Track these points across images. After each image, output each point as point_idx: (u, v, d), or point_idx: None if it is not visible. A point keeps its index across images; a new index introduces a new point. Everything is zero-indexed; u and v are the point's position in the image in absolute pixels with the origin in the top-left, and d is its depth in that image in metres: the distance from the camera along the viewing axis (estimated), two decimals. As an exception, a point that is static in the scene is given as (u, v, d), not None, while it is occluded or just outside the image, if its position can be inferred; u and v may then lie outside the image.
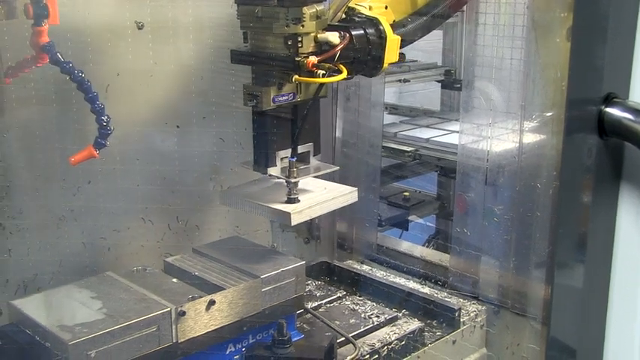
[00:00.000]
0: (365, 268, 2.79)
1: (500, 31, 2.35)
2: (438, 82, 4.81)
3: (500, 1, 2.33)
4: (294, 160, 2.07)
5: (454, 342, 2.37)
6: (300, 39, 1.93)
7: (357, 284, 2.62)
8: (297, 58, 1.91)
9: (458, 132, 2.52)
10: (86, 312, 1.82)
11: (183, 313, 1.85)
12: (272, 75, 1.99)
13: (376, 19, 2.07)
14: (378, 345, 2.20)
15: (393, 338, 2.24)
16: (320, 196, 2.15)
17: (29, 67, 1.81)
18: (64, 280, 2.27)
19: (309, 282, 2.63)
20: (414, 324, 2.34)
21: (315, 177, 2.19)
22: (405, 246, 2.91)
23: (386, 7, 2.16)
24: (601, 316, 2.38)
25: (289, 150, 2.08)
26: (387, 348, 2.21)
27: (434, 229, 4.39)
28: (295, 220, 2.04)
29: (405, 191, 3.96)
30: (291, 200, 2.08)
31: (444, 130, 4.15)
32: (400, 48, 2.13)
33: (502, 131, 2.36)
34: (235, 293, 1.97)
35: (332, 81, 1.96)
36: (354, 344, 2.15)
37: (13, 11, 1.66)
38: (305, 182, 2.16)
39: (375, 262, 2.85)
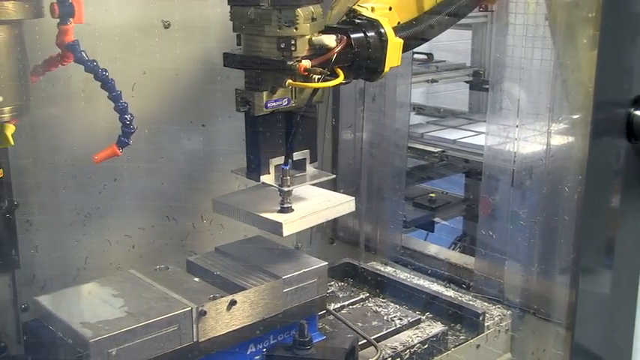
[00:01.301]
0: (389, 270, 2.77)
1: (529, 31, 2.32)
2: (467, 82, 4.78)
3: (529, 0, 2.30)
4: (287, 168, 1.99)
5: (478, 346, 2.34)
6: (293, 42, 1.85)
7: (380, 286, 2.60)
8: (290, 62, 1.84)
9: (485, 133, 2.49)
10: (108, 310, 1.83)
11: (204, 313, 1.85)
12: (265, 79, 1.92)
13: (377, 21, 1.99)
14: (400, 348, 2.19)
15: (415, 341, 2.22)
16: (315, 205, 2.07)
17: (55, 65, 1.83)
18: (89, 276, 2.29)
19: (333, 283, 2.62)
20: (437, 327, 2.32)
21: (312, 185, 2.12)
22: (429, 248, 2.88)
23: (390, 9, 2.08)
24: (629, 323, 2.33)
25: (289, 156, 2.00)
26: (410, 351, 2.19)
27: (460, 232, 4.35)
28: (287, 231, 1.96)
29: (432, 192, 3.93)
30: (284, 210, 2.01)
31: (472, 131, 4.12)
32: (406, 51, 2.06)
33: (529, 133, 2.33)
34: (257, 293, 1.97)
35: (326, 86, 1.88)
36: (375, 347, 2.13)
37: (39, 10, 1.67)
38: (302, 190, 2.09)
39: (399, 263, 2.82)
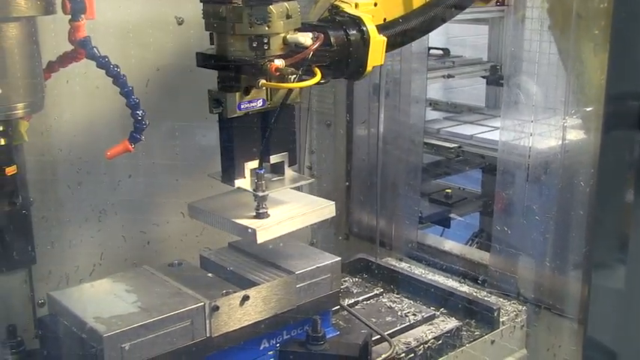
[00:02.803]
0: (403, 266, 2.76)
1: (545, 25, 2.29)
2: (483, 77, 4.75)
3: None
4: (262, 172, 1.91)
5: (493, 342, 2.32)
6: (266, 40, 1.78)
7: (394, 281, 2.59)
8: (261, 62, 1.76)
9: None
10: (121, 305, 1.84)
11: (217, 308, 1.85)
12: (237, 80, 1.84)
13: (359, 18, 1.93)
14: (414, 343, 2.17)
15: (429, 337, 2.21)
16: (292, 210, 2.01)
17: (68, 62, 1.84)
18: (104, 272, 2.31)
19: (347, 278, 2.62)
20: (452, 323, 2.30)
21: (292, 188, 2.06)
22: (444, 244, 2.87)
23: (375, 5, 2.02)
24: (643, 317, 2.31)
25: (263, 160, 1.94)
26: (424, 347, 2.18)
27: (477, 228, 4.34)
28: (261, 238, 1.89)
29: (447, 188, 3.92)
30: (259, 215, 1.94)
31: (489, 126, 4.10)
32: (391, 49, 1.99)
33: (544, 128, 2.31)
34: (270, 289, 1.97)
35: (301, 86, 1.82)
36: (389, 342, 2.13)
37: (51, 6, 1.68)
38: (281, 194, 2.04)
39: (414, 259, 2.81)
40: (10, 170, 1.70)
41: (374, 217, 2.94)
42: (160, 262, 2.19)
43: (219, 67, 1.87)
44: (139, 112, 1.78)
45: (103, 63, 1.73)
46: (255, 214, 1.95)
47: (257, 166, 1.92)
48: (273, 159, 2.00)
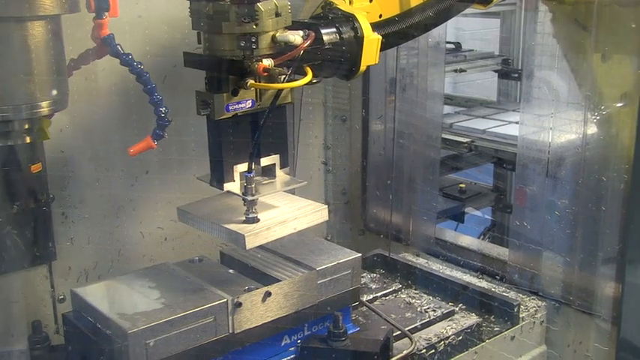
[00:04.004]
0: (421, 261, 2.76)
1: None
2: (495, 71, 4.73)
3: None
4: (251, 175, 1.85)
5: (513, 338, 2.32)
6: (254, 39, 1.71)
7: (412, 277, 2.59)
8: (248, 62, 1.71)
9: (515, 123, 2.46)
10: (145, 301, 1.84)
11: (240, 304, 1.86)
12: (225, 80, 1.78)
13: (353, 15, 1.87)
14: (434, 339, 2.18)
15: (449, 333, 2.21)
16: (283, 214, 1.95)
17: (91, 59, 1.84)
18: (122, 268, 2.31)
19: (365, 274, 2.62)
20: (472, 319, 2.30)
21: (285, 191, 2.02)
22: (462, 239, 2.86)
23: (371, 1, 1.96)
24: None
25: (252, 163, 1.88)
26: (444, 343, 2.18)
27: (489, 222, 4.33)
28: (250, 244, 1.83)
29: (461, 183, 3.90)
30: (249, 220, 1.88)
31: (501, 120, 4.08)
32: (386, 48, 1.94)
33: (565, 122, 2.29)
34: (291, 285, 1.97)
35: (291, 87, 1.78)
36: (410, 338, 2.13)
37: (75, 4, 1.68)
38: (273, 197, 1.99)
39: (431, 254, 2.81)
40: (36, 168, 1.70)
41: (390, 213, 2.93)
42: (178, 258, 2.20)
43: (206, 67, 1.82)
44: (162, 109, 1.78)
45: (126, 60, 1.73)
46: (244, 218, 1.89)
47: (246, 169, 1.87)
48: (264, 161, 1.95)
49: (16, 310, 2.15)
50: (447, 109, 4.74)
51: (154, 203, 2.41)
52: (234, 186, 1.89)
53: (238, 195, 1.89)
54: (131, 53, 1.75)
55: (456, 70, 4.41)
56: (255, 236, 1.85)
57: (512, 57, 4.62)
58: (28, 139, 1.67)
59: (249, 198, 1.87)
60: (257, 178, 1.92)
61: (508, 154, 3.63)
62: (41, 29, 1.59)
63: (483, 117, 4.24)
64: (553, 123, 2.32)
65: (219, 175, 1.89)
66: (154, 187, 2.40)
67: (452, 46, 4.69)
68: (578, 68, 2.21)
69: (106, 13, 1.67)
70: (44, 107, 1.63)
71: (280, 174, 1.98)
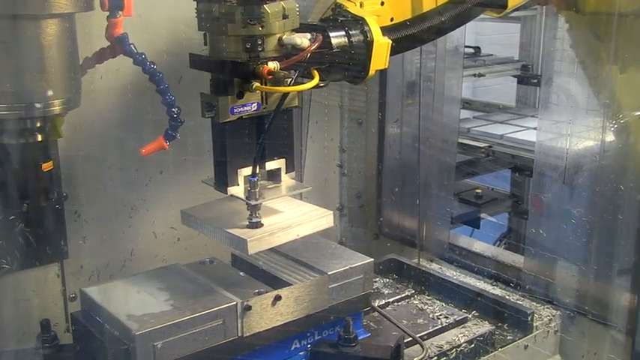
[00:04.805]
0: (434, 267, 2.73)
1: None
2: (514, 77, 4.70)
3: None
4: (255, 179, 1.82)
5: (526, 347, 2.29)
6: (260, 41, 1.69)
7: (425, 283, 2.56)
8: (257, 64, 1.68)
9: (533, 128, 2.43)
10: (153, 303, 1.83)
11: (249, 308, 1.84)
12: (230, 82, 1.76)
13: (362, 18, 1.84)
14: (446, 347, 2.15)
15: (462, 340, 2.18)
16: (287, 220, 1.91)
17: (105, 58, 1.83)
18: (135, 268, 2.31)
19: (377, 279, 2.59)
20: (485, 327, 2.27)
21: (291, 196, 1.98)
22: (476, 245, 2.83)
23: (382, 4, 1.92)
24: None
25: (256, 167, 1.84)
26: (456, 350, 2.15)
27: (506, 228, 4.29)
28: (253, 249, 1.80)
29: (477, 188, 3.87)
30: (252, 225, 1.85)
31: (519, 126, 4.05)
32: (397, 53, 1.90)
33: (583, 129, 2.26)
34: (302, 289, 1.96)
35: (297, 90, 1.75)
36: (421, 345, 2.10)
37: (89, 3, 1.67)
38: (278, 202, 1.96)
39: (445, 260, 2.78)
40: (47, 166, 1.70)
41: (405, 217, 2.91)
42: (190, 259, 2.19)
43: (211, 68, 1.80)
44: (175, 110, 1.77)
45: (139, 60, 1.72)
46: (248, 223, 1.87)
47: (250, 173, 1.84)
48: (269, 166, 1.92)
49: (28, 308, 2.16)
50: (465, 113, 4.72)
51: (167, 203, 2.40)
52: (238, 190, 1.87)
53: (242, 199, 1.86)
54: (144, 53, 1.74)
55: (474, 75, 4.39)
56: (258, 241, 1.83)
57: (532, 62, 4.59)
58: (40, 138, 1.66)
59: (253, 202, 1.84)
60: (262, 182, 1.90)
61: (525, 159, 3.61)
62: (55, 27, 1.59)
63: (501, 122, 4.21)
64: (571, 130, 2.29)
65: (223, 178, 1.87)
66: (168, 187, 2.39)
67: (471, 50, 4.67)
68: (596, 76, 2.18)
69: (120, 12, 1.67)
70: (56, 106, 1.63)
71: (286, 178, 1.96)
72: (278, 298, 1.90)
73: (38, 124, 1.65)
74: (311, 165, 2.76)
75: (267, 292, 1.92)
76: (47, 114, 1.63)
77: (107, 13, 1.72)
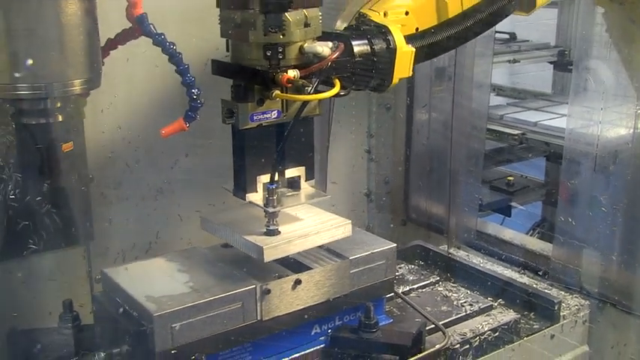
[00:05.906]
0: (461, 254, 2.70)
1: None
2: (551, 63, 4.60)
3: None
4: (273, 187, 1.81)
5: (552, 336, 2.25)
6: (280, 49, 1.69)
7: (451, 270, 2.53)
8: (272, 72, 1.67)
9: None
10: (173, 285, 1.83)
11: (269, 291, 1.83)
12: (251, 90, 1.75)
13: (386, 27, 1.82)
14: (469, 335, 2.12)
15: (486, 329, 2.15)
16: (305, 228, 1.91)
17: (126, 39, 1.83)
18: (160, 250, 2.32)
19: (402, 265, 2.57)
20: (510, 315, 2.24)
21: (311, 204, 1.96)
22: (504, 233, 2.79)
23: (407, 13, 1.90)
24: None
25: (276, 174, 1.84)
26: (479, 338, 2.12)
27: (539, 217, 4.22)
28: (268, 257, 1.81)
29: (509, 176, 3.81)
30: (269, 232, 1.85)
31: (555, 113, 3.97)
32: (421, 61, 1.89)
33: (615, 116, 2.20)
34: (322, 273, 1.94)
35: (317, 98, 1.73)
36: (444, 332, 2.08)
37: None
38: (297, 210, 1.96)
39: (472, 247, 2.74)
40: (67, 147, 1.71)
41: (432, 204, 2.87)
42: (214, 242, 2.19)
43: (233, 75, 1.79)
44: (194, 91, 1.77)
45: (159, 40, 1.72)
46: (265, 230, 1.87)
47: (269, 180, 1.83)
48: (289, 173, 1.91)
49: (54, 289, 2.18)
50: (499, 100, 4.65)
51: (193, 186, 2.41)
52: (256, 197, 1.87)
53: (259, 206, 1.86)
54: (164, 33, 1.74)
55: (509, 61, 4.31)
56: (274, 249, 1.82)
57: (569, 48, 4.49)
58: (60, 117, 1.67)
59: (270, 210, 1.84)
60: (281, 189, 1.90)
61: (560, 147, 3.52)
62: (75, 7, 1.59)
63: (536, 109, 4.13)
64: (602, 116, 2.23)
65: (242, 185, 1.87)
66: (194, 170, 2.40)
67: (506, 36, 4.59)
68: (630, 60, 2.11)
69: (140, -8, 1.66)
70: (76, 86, 1.63)
71: (305, 186, 1.95)
72: (298, 282, 1.89)
73: (58, 104, 1.65)
74: (339, 150, 2.74)
75: (287, 276, 1.90)
76: (67, 94, 1.64)
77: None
